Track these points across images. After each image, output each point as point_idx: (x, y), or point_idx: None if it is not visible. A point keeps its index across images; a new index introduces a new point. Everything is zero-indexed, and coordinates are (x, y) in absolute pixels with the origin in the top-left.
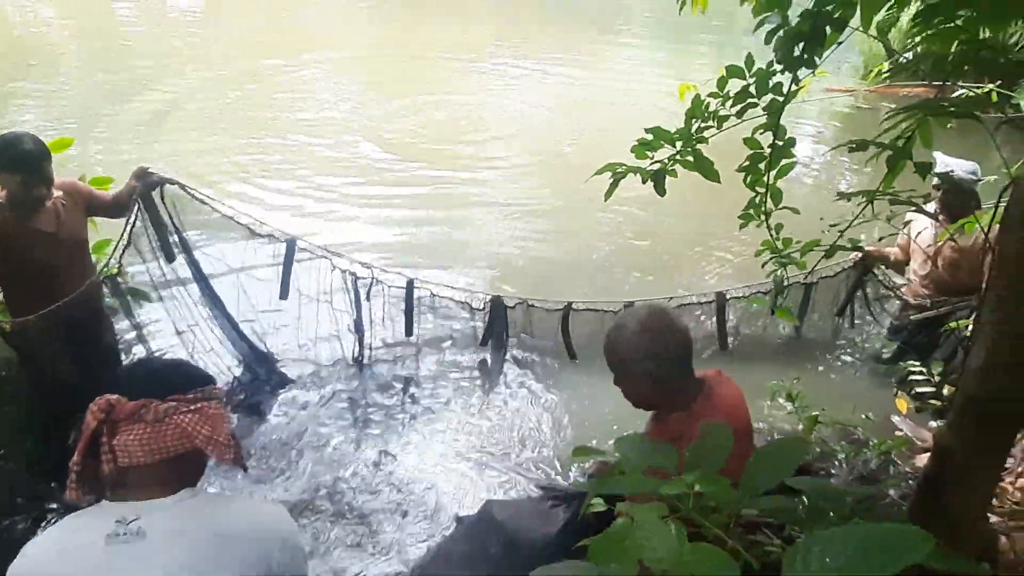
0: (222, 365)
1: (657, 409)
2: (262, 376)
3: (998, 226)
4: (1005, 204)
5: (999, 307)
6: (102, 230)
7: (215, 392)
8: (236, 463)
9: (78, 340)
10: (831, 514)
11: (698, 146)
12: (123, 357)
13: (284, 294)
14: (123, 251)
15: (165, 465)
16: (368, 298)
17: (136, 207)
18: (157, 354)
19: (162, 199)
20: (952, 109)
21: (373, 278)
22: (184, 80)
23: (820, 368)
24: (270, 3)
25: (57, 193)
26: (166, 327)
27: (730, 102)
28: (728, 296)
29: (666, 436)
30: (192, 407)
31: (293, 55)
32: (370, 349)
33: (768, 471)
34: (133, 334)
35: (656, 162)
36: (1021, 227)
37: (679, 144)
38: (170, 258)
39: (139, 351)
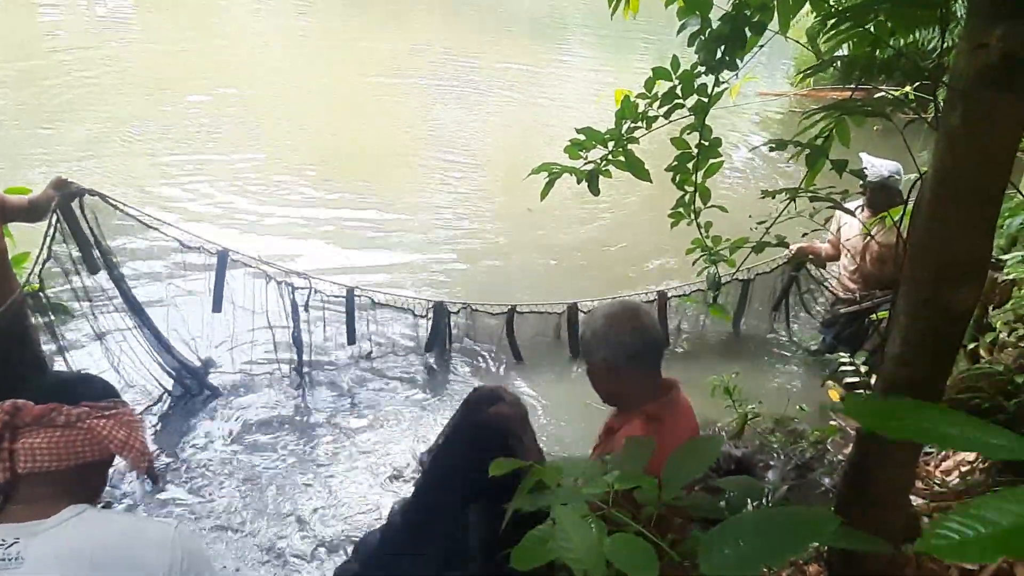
0: (150, 378)
1: (618, 402)
2: (193, 389)
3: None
4: (915, 198)
5: (910, 295)
6: (19, 243)
7: (124, 405)
8: (149, 473)
9: (5, 356)
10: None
11: (632, 146)
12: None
13: (217, 307)
14: (43, 265)
15: (66, 475)
16: (306, 308)
17: (55, 219)
18: (79, 371)
19: (82, 210)
20: (865, 109)
21: (311, 288)
22: (102, 88)
23: (757, 362)
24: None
25: None
26: (91, 341)
27: (657, 103)
28: (670, 295)
29: (653, 422)
30: (107, 412)
31: (222, 62)
32: (309, 359)
33: (686, 468)
34: (57, 350)
35: (589, 162)
36: (926, 219)
37: (611, 144)
38: (93, 270)
39: (62, 366)
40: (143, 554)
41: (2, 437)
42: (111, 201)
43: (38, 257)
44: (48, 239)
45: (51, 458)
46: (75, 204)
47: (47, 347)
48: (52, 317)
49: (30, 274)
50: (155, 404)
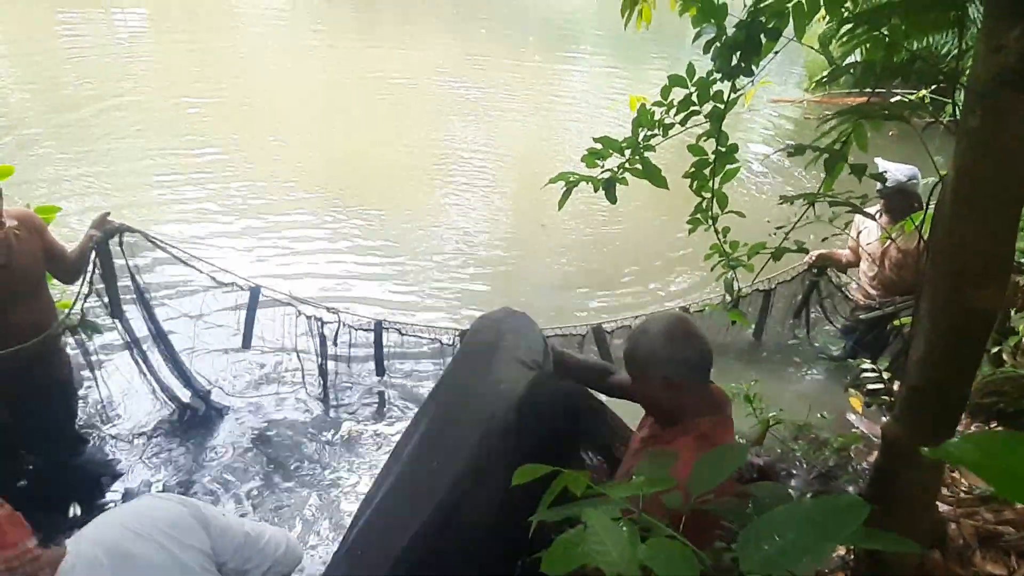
0: (165, 399)
1: (672, 417)
2: (200, 411)
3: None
4: (936, 201)
5: (933, 298)
6: None
7: None
8: None
9: (34, 377)
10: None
11: (648, 154)
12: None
13: (247, 343)
14: (84, 300)
15: None
16: (335, 342)
17: (93, 255)
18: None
19: (120, 247)
20: (883, 113)
21: (340, 321)
22: (126, 111)
23: (779, 369)
24: (215, 27)
25: (11, 223)
26: (116, 364)
27: (674, 110)
28: (692, 311)
29: (704, 440)
30: None
31: (235, 86)
32: (336, 388)
33: (711, 474)
34: (86, 369)
35: (606, 171)
36: (948, 221)
37: (628, 152)
38: (116, 314)
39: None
40: (163, 515)
41: None
42: (151, 238)
43: (79, 292)
44: (89, 275)
45: None
46: (113, 241)
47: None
48: (84, 335)
49: (71, 310)
50: (166, 420)
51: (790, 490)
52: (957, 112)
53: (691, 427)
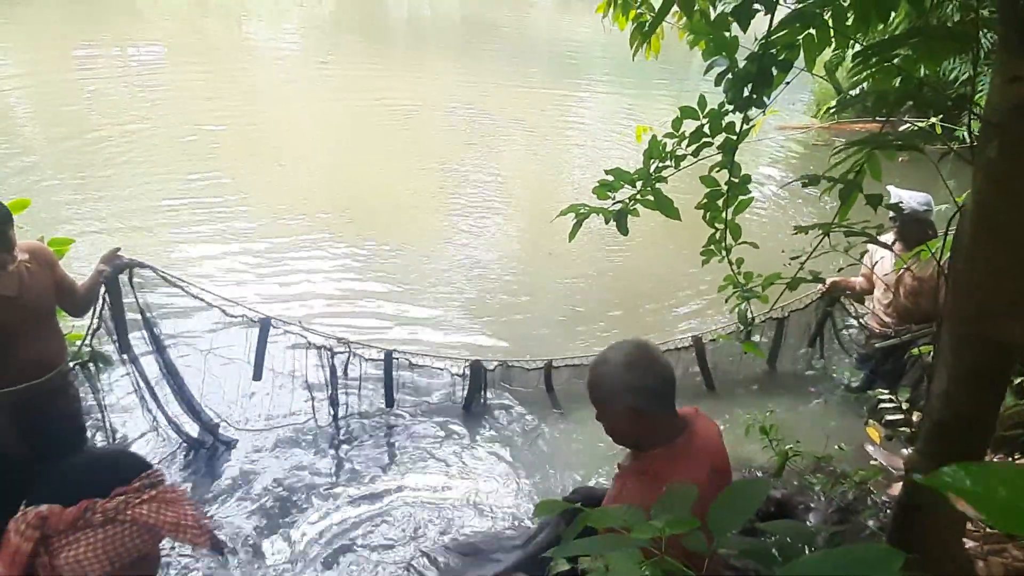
0: (173, 432)
1: (637, 445)
2: (208, 444)
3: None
4: (954, 232)
5: (954, 331)
6: None
7: (158, 477)
8: (212, 547)
9: (42, 412)
10: (801, 549)
11: (659, 185)
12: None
13: (258, 375)
14: (94, 335)
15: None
16: (345, 373)
17: (103, 290)
18: (107, 447)
19: (130, 282)
20: (897, 142)
21: (350, 352)
22: (135, 140)
23: (793, 400)
24: (230, 61)
25: (23, 256)
26: (124, 399)
27: (686, 142)
28: (705, 340)
29: (646, 476)
30: (145, 496)
31: (244, 115)
32: (346, 421)
33: (732, 512)
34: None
35: (618, 202)
36: (968, 252)
37: (639, 184)
38: (124, 349)
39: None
40: None
41: (38, 553)
42: (161, 273)
43: (88, 327)
44: (98, 309)
45: (99, 565)
46: (123, 276)
47: (87, 401)
48: (95, 369)
49: (81, 344)
50: (173, 453)
51: (809, 525)
52: (970, 138)
53: (673, 449)
